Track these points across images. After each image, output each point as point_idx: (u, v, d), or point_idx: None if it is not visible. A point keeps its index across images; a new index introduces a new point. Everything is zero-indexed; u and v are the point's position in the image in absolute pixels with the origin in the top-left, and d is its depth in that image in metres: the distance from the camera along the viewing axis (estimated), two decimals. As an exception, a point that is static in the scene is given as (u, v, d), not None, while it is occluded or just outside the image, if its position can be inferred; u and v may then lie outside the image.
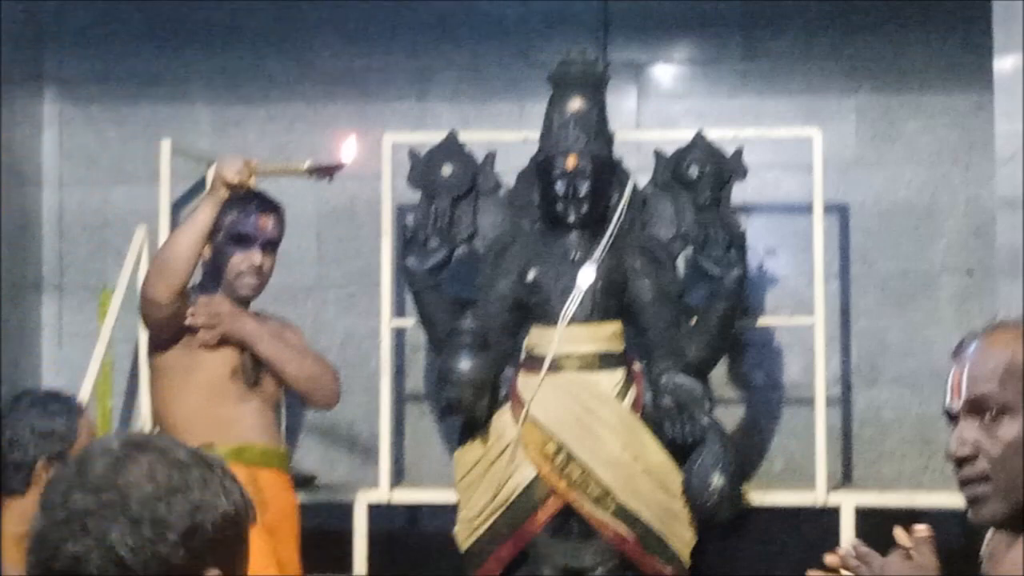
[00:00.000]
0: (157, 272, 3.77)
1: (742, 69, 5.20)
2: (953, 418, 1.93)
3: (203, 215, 3.70)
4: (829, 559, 2.03)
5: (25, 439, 2.79)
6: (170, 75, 5.31)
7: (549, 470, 4.27)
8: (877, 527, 2.99)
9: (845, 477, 5.05)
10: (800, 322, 4.82)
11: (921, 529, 2.02)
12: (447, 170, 4.62)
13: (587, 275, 4.38)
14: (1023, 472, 1.86)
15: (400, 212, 4.94)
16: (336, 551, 4.63)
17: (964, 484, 1.91)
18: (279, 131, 5.26)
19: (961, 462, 1.90)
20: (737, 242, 4.48)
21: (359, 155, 3.71)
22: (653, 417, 4.34)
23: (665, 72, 5.28)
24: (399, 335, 5.05)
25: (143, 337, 4.21)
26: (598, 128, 4.44)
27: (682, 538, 4.32)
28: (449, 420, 4.74)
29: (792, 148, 4.93)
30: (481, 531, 4.35)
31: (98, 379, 4.87)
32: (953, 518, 3.01)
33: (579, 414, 4.29)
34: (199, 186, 5.00)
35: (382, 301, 4.73)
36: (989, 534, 1.99)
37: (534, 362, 4.36)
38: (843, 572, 2.03)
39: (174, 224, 4.79)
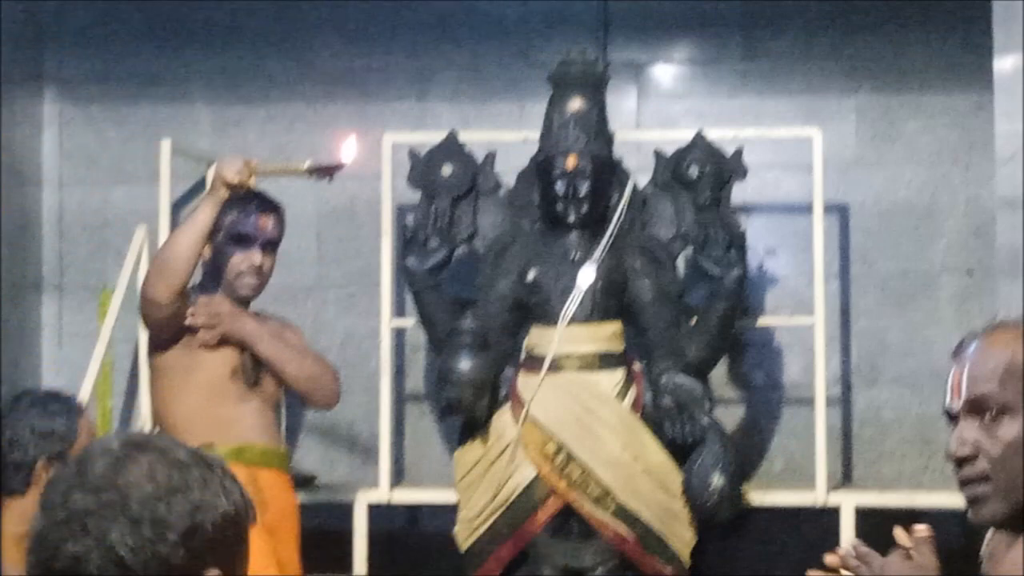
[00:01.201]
0: (157, 272, 3.77)
1: (742, 69, 5.20)
2: (953, 418, 1.93)
3: (203, 215, 3.70)
4: (829, 559, 2.03)
5: (25, 439, 2.79)
6: (170, 75, 5.31)
7: (549, 470, 4.27)
8: (877, 527, 2.99)
9: (845, 477, 5.04)
10: (800, 322, 4.82)
11: (921, 529, 2.02)
12: (447, 170, 4.62)
13: (587, 275, 4.38)
14: (1023, 472, 1.86)
15: (400, 212, 4.94)
16: (336, 551, 4.63)
17: (964, 484, 1.91)
18: (279, 131, 5.26)
19: (961, 462, 1.90)
20: (737, 242, 4.48)
21: (359, 155, 3.71)
22: (653, 417, 4.33)
23: (665, 72, 5.28)
24: (399, 335, 5.05)
25: (143, 337, 4.21)
26: (598, 128, 4.44)
27: (682, 538, 4.32)
28: (449, 420, 4.74)
29: (792, 148, 4.93)
30: (481, 531, 4.35)
31: (98, 379, 4.87)
32: (953, 518, 3.01)
33: (579, 414, 4.29)
34: (199, 186, 5.00)
35: (382, 301, 4.73)
36: (989, 534, 1.99)
37: (534, 362, 4.36)
38: (843, 572, 2.03)
39: (174, 224, 4.79)
